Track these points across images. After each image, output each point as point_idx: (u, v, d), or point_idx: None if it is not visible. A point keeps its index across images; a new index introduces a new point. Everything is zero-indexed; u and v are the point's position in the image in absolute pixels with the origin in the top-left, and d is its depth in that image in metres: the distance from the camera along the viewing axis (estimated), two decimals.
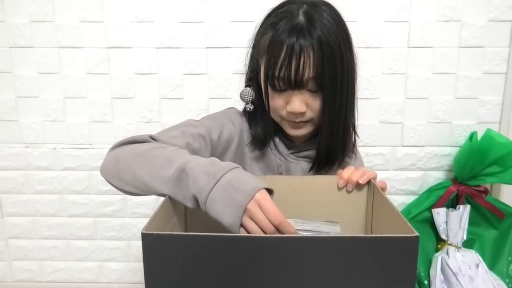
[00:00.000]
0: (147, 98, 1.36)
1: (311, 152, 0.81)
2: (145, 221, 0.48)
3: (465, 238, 1.27)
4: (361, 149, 1.36)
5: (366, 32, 1.30)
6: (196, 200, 0.56)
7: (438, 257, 1.27)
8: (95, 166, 1.41)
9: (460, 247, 1.27)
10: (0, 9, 1.30)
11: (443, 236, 1.29)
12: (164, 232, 0.46)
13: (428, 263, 1.31)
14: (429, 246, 1.33)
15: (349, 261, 0.45)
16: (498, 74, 1.32)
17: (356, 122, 0.82)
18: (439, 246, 1.32)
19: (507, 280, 1.27)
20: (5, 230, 1.47)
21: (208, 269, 0.46)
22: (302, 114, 0.73)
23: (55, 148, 1.40)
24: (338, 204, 0.70)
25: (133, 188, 0.63)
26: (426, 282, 1.30)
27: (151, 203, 1.43)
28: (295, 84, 0.70)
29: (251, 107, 0.80)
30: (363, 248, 0.45)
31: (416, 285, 1.31)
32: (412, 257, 0.45)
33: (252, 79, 0.80)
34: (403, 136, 1.38)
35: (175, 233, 0.46)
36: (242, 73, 0.84)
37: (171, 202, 0.59)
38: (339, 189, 0.70)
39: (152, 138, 0.67)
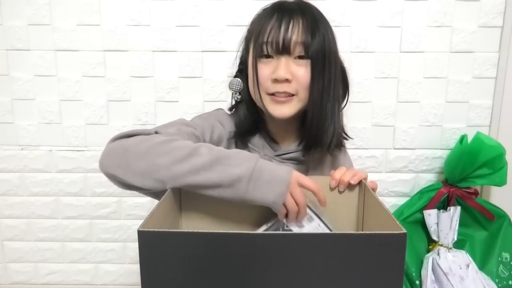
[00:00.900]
0: (142, 101, 1.38)
1: (296, 155, 0.82)
2: (141, 223, 0.49)
3: (455, 239, 1.29)
4: (353, 152, 1.39)
5: (359, 37, 1.32)
6: (234, 183, 0.59)
7: (429, 258, 1.29)
8: (91, 169, 1.42)
9: (451, 248, 1.29)
10: None
11: (434, 237, 1.31)
12: (160, 230, 0.47)
13: (420, 264, 1.33)
14: (421, 247, 1.35)
15: (339, 258, 0.46)
16: (488, 78, 1.35)
17: (343, 119, 0.83)
18: (430, 247, 1.34)
19: (496, 280, 1.29)
20: (0, 232, 1.47)
21: (204, 266, 0.47)
22: (288, 82, 0.73)
23: (50, 150, 1.41)
24: (330, 204, 0.72)
25: (141, 179, 0.62)
26: (417, 282, 1.31)
27: (146, 205, 1.44)
28: (283, 48, 0.72)
29: (239, 97, 0.82)
30: (353, 245, 0.46)
31: (408, 285, 1.33)
32: (400, 254, 0.46)
33: (241, 71, 0.82)
34: (395, 139, 1.40)
35: (171, 230, 0.47)
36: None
37: (167, 201, 0.60)
38: (331, 189, 0.72)
39: (157, 132, 0.67)
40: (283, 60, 0.73)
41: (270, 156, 0.82)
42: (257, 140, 0.83)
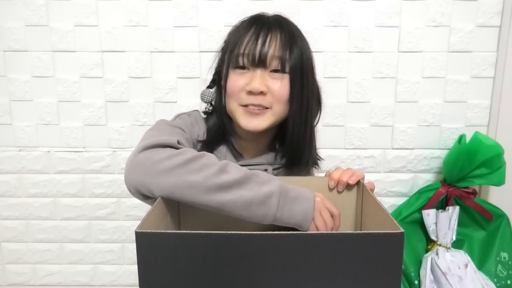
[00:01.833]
0: (141, 102, 1.37)
1: (262, 168, 0.79)
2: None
3: (454, 238, 1.29)
4: (352, 152, 1.39)
5: (357, 37, 1.32)
6: (266, 199, 0.60)
7: (428, 258, 1.29)
8: (89, 169, 1.41)
9: (449, 248, 1.29)
10: None
11: (433, 237, 1.31)
12: (158, 230, 0.47)
13: (418, 263, 1.33)
14: (419, 247, 1.35)
15: (338, 257, 0.46)
16: (486, 78, 1.35)
17: (316, 135, 0.82)
18: (429, 246, 1.34)
19: (495, 280, 1.29)
20: None
21: (202, 266, 0.47)
22: (263, 95, 0.72)
23: (48, 151, 1.41)
24: None
25: (167, 194, 0.60)
26: (416, 282, 1.31)
27: (145, 206, 1.41)
28: (259, 60, 0.71)
29: (210, 108, 0.82)
30: (351, 245, 0.46)
31: (407, 284, 1.33)
32: (398, 253, 0.47)
33: (214, 81, 0.82)
34: (393, 139, 1.40)
35: (169, 231, 0.47)
36: None
37: (164, 202, 0.60)
38: (330, 189, 0.72)
39: (179, 143, 0.65)
40: (259, 73, 0.72)
41: None
42: (221, 148, 0.81)
